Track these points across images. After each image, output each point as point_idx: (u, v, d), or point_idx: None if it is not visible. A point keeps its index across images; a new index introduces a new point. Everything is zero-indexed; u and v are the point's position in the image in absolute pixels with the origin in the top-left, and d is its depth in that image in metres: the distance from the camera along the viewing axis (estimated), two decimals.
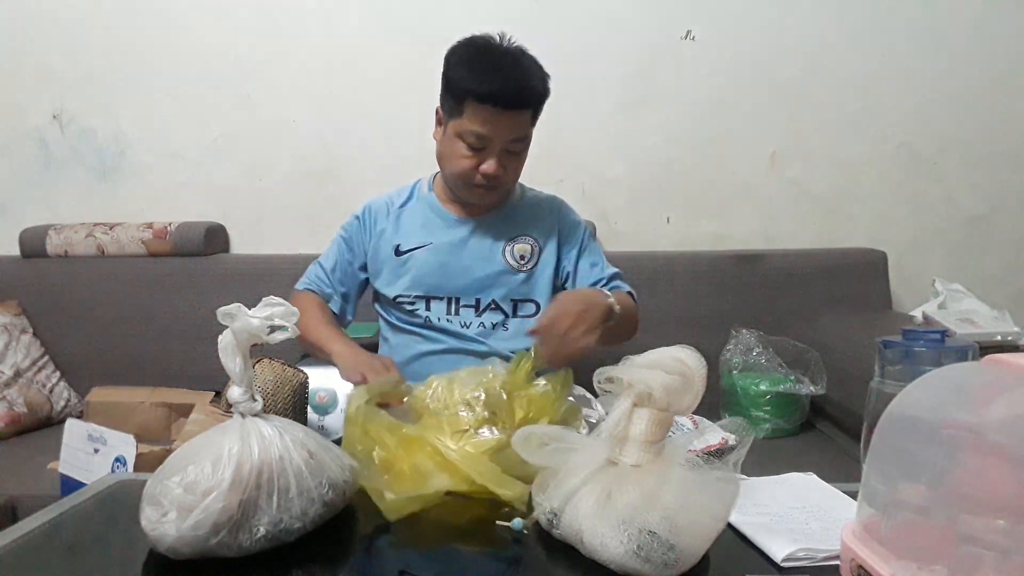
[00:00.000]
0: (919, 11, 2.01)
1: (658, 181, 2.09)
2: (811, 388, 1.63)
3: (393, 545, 0.82)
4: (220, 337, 0.79)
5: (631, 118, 2.07)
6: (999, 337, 1.52)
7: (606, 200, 2.10)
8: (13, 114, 2.16)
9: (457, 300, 1.35)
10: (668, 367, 0.73)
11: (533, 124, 1.30)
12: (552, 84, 2.09)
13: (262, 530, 0.72)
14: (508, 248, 1.37)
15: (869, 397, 0.94)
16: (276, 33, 2.09)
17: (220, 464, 0.73)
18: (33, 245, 2.06)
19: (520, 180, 1.41)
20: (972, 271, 2.03)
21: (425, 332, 1.36)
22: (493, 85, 1.19)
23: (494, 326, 1.35)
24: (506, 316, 1.36)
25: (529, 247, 1.38)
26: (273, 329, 0.78)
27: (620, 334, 1.29)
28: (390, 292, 1.37)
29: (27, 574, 0.74)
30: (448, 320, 1.35)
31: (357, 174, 2.10)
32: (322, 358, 1.32)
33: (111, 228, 2.05)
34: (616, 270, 1.43)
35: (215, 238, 2.07)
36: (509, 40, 1.26)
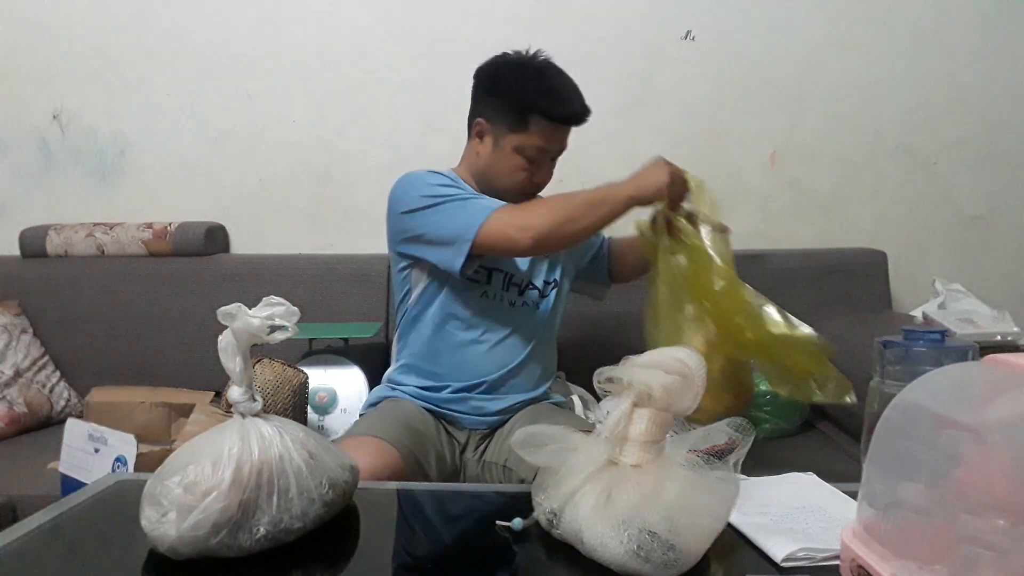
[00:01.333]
0: (919, 11, 2.01)
1: None
2: None
3: (393, 545, 0.82)
4: (220, 337, 0.79)
5: (631, 118, 2.07)
6: (999, 337, 1.52)
7: None
8: (13, 114, 2.16)
9: (510, 277, 1.37)
10: (668, 367, 0.73)
11: None
12: None
13: (262, 530, 0.72)
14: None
15: (869, 397, 0.94)
16: (276, 33, 2.09)
17: (220, 464, 0.73)
18: (33, 245, 2.06)
19: None
20: (972, 271, 2.03)
21: (483, 313, 1.36)
22: (569, 105, 1.30)
23: (528, 304, 1.39)
24: (543, 297, 1.41)
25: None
26: (273, 329, 0.78)
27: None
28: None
29: (27, 574, 0.74)
30: (501, 296, 1.36)
31: (357, 174, 2.10)
32: (613, 214, 1.25)
33: (111, 228, 2.05)
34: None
35: (215, 238, 2.07)
36: (547, 56, 1.35)
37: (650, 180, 1.20)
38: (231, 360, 0.79)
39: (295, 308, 0.80)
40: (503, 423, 1.36)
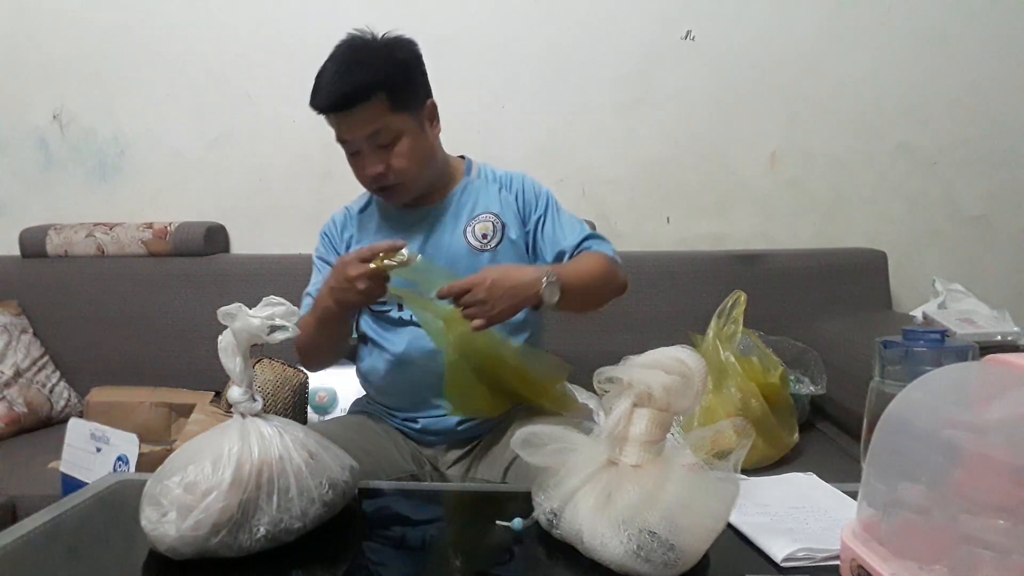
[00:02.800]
0: (919, 11, 2.01)
1: (658, 181, 2.09)
2: (811, 388, 1.63)
3: (393, 545, 0.82)
4: (220, 337, 0.79)
5: (631, 118, 2.07)
6: (999, 337, 1.52)
7: (606, 200, 2.10)
8: (13, 114, 2.17)
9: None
10: (668, 367, 0.73)
11: (402, 110, 1.20)
12: (552, 84, 2.11)
13: (262, 530, 0.72)
14: (469, 228, 1.30)
15: (869, 397, 0.94)
16: (276, 32, 2.09)
17: (220, 464, 0.73)
18: (33, 245, 2.06)
19: (479, 162, 1.38)
20: (972, 271, 2.03)
21: (398, 335, 1.28)
22: (321, 91, 1.20)
23: None
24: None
25: (490, 224, 1.30)
26: (273, 329, 0.78)
27: (591, 299, 1.27)
28: None
29: (27, 574, 0.74)
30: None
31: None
32: (332, 320, 1.23)
33: (111, 228, 2.05)
34: (588, 232, 1.34)
35: (215, 238, 2.07)
36: (371, 34, 1.23)
37: (341, 296, 1.13)
38: (231, 360, 0.79)
39: (295, 308, 0.80)
40: (478, 437, 1.28)
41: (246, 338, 0.78)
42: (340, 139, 1.24)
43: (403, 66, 1.23)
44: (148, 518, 0.73)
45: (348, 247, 1.34)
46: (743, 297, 1.54)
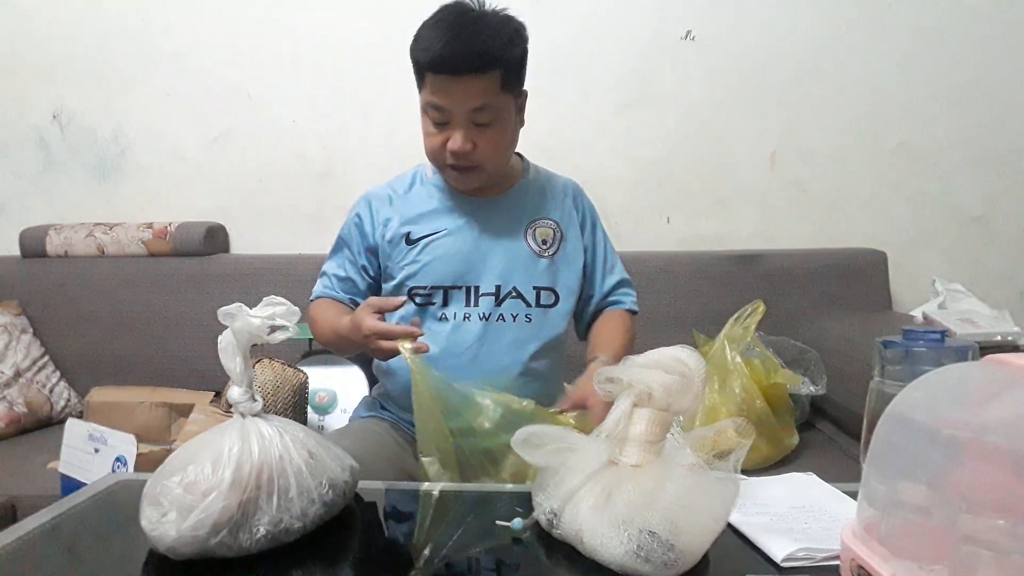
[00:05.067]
0: (918, 11, 2.01)
1: (658, 181, 2.09)
2: (811, 388, 1.63)
3: (393, 545, 0.82)
4: (220, 337, 0.79)
5: (631, 118, 2.07)
6: (999, 337, 1.52)
7: (606, 200, 2.09)
8: (13, 114, 2.17)
9: (477, 289, 1.23)
10: (668, 367, 0.73)
11: (508, 92, 1.16)
12: (552, 84, 2.11)
13: (262, 530, 0.72)
14: (530, 231, 1.27)
15: (869, 397, 0.94)
16: (276, 32, 2.09)
17: (220, 464, 0.73)
18: (33, 245, 2.06)
19: (532, 160, 1.36)
20: (972, 271, 2.03)
21: (437, 333, 1.21)
22: (440, 50, 1.09)
23: (515, 317, 1.23)
24: (528, 306, 1.24)
25: (551, 231, 1.28)
26: (274, 329, 0.78)
27: None
28: (405, 283, 1.24)
29: (27, 574, 0.74)
30: (467, 316, 1.22)
31: (357, 174, 2.10)
32: (350, 349, 1.24)
33: (111, 228, 2.05)
34: (623, 276, 1.36)
35: (215, 238, 2.07)
36: (481, 4, 1.15)
37: (350, 337, 1.10)
38: (231, 360, 0.79)
39: (295, 308, 0.80)
40: None
41: (246, 338, 0.78)
42: (435, 104, 1.14)
43: (523, 46, 1.17)
44: (148, 518, 0.72)
45: (384, 228, 1.27)
46: (761, 308, 1.55)
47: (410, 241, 1.25)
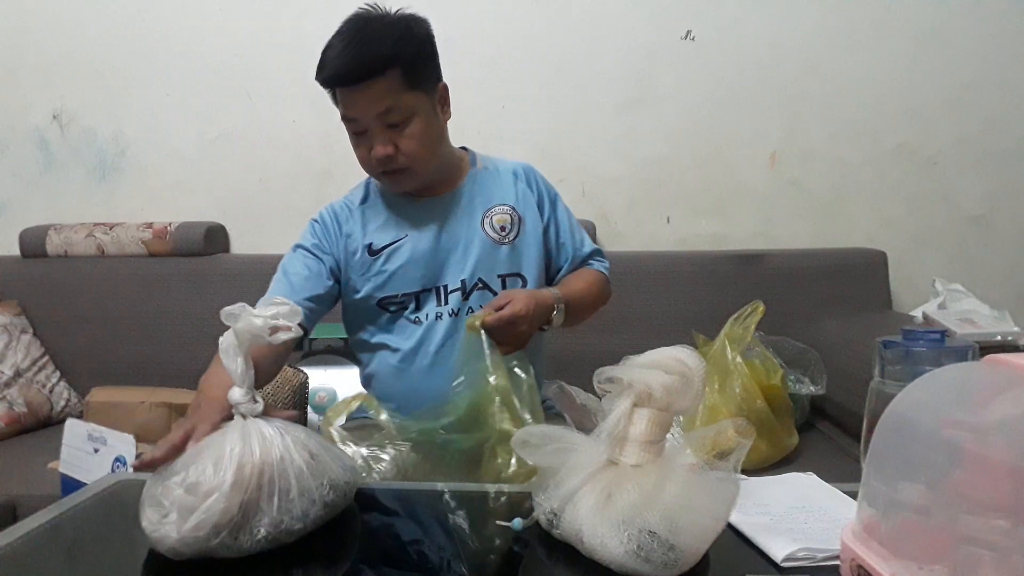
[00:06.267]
0: (919, 11, 2.01)
1: (658, 181, 2.10)
2: (811, 388, 1.63)
3: (393, 545, 0.82)
4: (221, 338, 0.79)
5: (631, 118, 2.07)
6: (999, 337, 1.52)
7: (606, 200, 2.10)
8: (13, 114, 2.17)
9: (445, 288, 1.23)
10: (668, 367, 0.73)
11: (416, 89, 1.15)
12: (552, 84, 2.11)
13: (263, 531, 0.72)
14: (486, 220, 1.26)
15: (869, 397, 0.94)
16: (276, 32, 2.09)
17: (221, 465, 0.72)
18: (33, 245, 2.07)
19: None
20: (972, 271, 2.03)
21: (408, 335, 1.23)
22: (333, 64, 1.12)
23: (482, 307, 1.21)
24: (495, 294, 1.23)
25: (508, 216, 1.27)
26: (276, 330, 0.78)
27: (582, 318, 1.29)
28: (373, 296, 1.24)
29: (27, 574, 0.74)
30: (438, 315, 1.22)
31: (357, 174, 2.08)
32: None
33: (111, 228, 2.05)
34: (594, 247, 1.38)
35: (215, 238, 2.07)
36: (377, 9, 1.17)
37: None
38: (232, 361, 0.78)
39: (298, 307, 0.80)
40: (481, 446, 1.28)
41: (248, 338, 0.78)
42: (347, 117, 1.16)
43: (419, 42, 1.17)
44: (149, 519, 0.72)
45: (347, 242, 1.26)
46: (761, 308, 1.55)
47: (373, 252, 1.25)
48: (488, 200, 1.28)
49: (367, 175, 1.31)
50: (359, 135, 1.17)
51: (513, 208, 1.29)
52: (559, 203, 1.36)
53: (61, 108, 2.15)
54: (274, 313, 0.77)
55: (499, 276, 1.25)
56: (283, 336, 0.78)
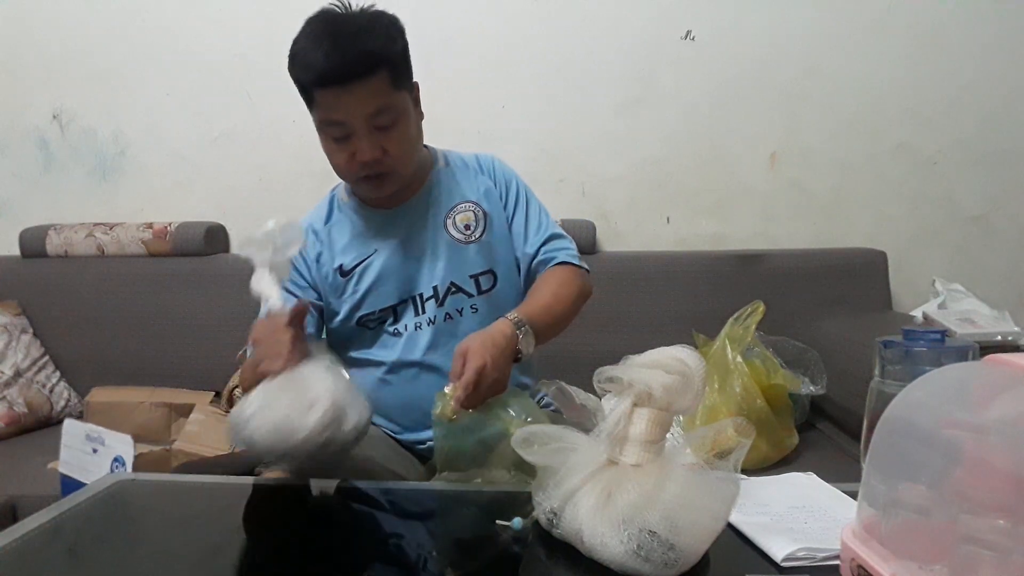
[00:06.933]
0: (919, 11, 2.01)
1: (658, 181, 2.09)
2: (811, 388, 1.63)
3: (392, 545, 0.82)
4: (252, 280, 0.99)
5: (631, 118, 2.07)
6: (999, 337, 1.52)
7: (606, 200, 2.10)
8: (13, 114, 2.17)
9: (421, 296, 1.21)
10: (668, 367, 0.73)
11: (401, 88, 1.12)
12: (552, 84, 2.11)
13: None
14: (449, 220, 1.23)
15: (869, 397, 0.94)
16: (276, 32, 2.07)
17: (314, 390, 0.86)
18: (33, 245, 2.07)
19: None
20: (972, 271, 2.03)
21: (390, 347, 1.21)
22: (322, 63, 1.05)
23: (460, 311, 1.20)
24: (470, 296, 1.21)
25: (471, 213, 1.23)
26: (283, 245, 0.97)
27: (561, 327, 1.19)
28: (353, 315, 1.22)
29: (27, 574, 0.74)
30: (417, 326, 1.20)
31: None
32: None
33: (111, 228, 2.05)
34: (550, 232, 1.27)
35: (215, 238, 2.07)
36: (348, 6, 1.12)
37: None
38: (261, 283, 0.98)
39: (297, 224, 1.00)
40: None
41: (266, 259, 0.98)
42: (330, 120, 1.10)
43: (403, 40, 1.13)
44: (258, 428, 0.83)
45: (317, 264, 1.24)
46: (761, 308, 1.56)
47: (344, 273, 1.22)
48: (450, 199, 1.25)
49: (335, 188, 1.31)
50: (340, 140, 1.11)
51: (476, 204, 1.25)
52: (520, 192, 1.29)
53: (61, 108, 2.15)
54: (270, 227, 0.96)
55: (471, 276, 1.22)
56: (294, 249, 0.97)
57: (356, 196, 1.26)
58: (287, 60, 1.12)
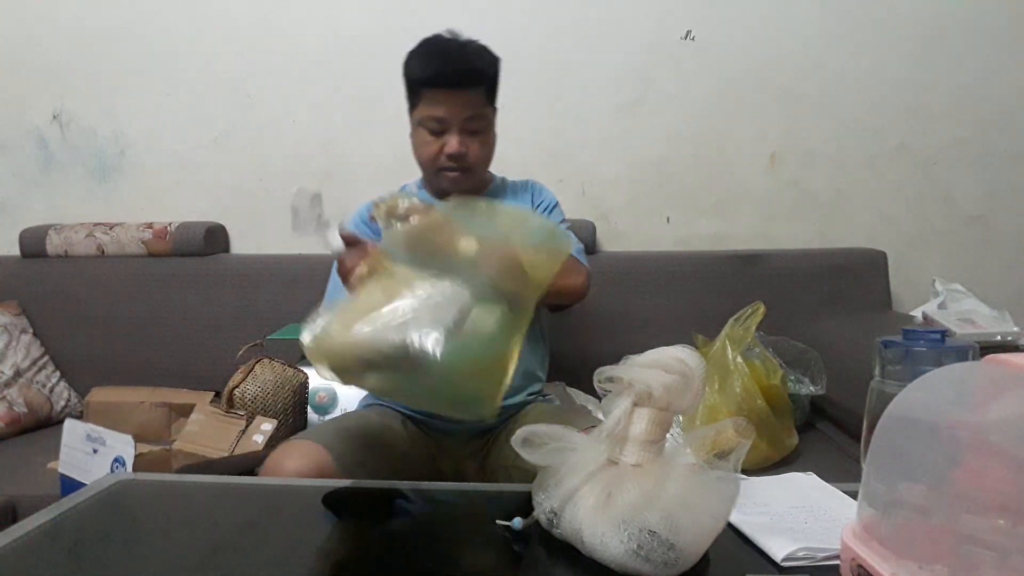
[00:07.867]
0: (919, 11, 2.01)
1: (658, 181, 2.09)
2: (811, 388, 1.63)
3: (392, 544, 0.82)
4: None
5: (631, 118, 2.07)
6: (999, 337, 1.52)
7: (606, 200, 2.10)
8: (13, 114, 2.17)
9: None
10: (668, 367, 0.73)
11: (490, 104, 1.35)
12: (552, 84, 2.11)
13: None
14: None
15: (869, 397, 0.94)
16: (276, 33, 2.09)
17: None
18: (33, 245, 2.06)
19: (503, 175, 1.46)
20: (972, 271, 2.03)
21: None
22: (437, 67, 1.29)
23: None
24: None
25: None
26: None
27: (558, 293, 1.25)
28: None
29: (27, 574, 0.74)
30: None
31: (357, 174, 2.10)
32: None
33: (111, 228, 2.05)
34: (580, 246, 1.42)
35: (215, 238, 2.07)
36: (459, 34, 1.35)
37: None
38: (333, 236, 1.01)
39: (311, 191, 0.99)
40: (495, 428, 1.32)
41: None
42: (432, 116, 1.29)
43: (496, 67, 1.36)
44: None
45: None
46: (762, 310, 1.56)
47: None
48: None
49: (404, 185, 1.43)
50: (436, 133, 1.30)
51: None
52: (553, 209, 1.47)
53: (61, 108, 2.15)
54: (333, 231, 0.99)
55: None
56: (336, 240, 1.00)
57: (426, 191, 1.42)
58: (403, 63, 1.33)
